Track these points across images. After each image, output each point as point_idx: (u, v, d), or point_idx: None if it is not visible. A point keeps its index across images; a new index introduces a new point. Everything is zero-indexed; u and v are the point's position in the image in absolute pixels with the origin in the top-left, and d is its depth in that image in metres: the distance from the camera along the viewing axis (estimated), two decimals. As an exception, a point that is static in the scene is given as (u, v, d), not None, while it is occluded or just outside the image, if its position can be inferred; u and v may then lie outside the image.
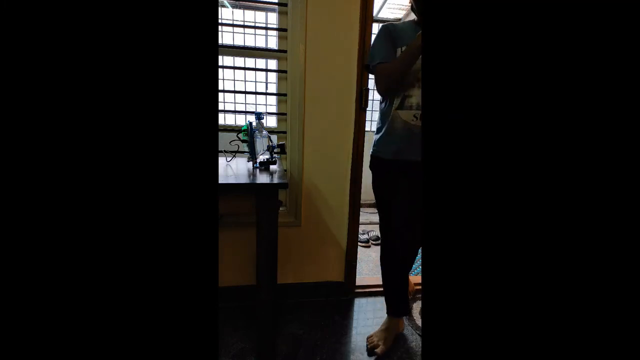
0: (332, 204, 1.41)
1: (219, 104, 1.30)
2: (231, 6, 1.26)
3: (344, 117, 1.33)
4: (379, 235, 2.15)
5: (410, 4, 0.90)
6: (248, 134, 1.02)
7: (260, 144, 1.08)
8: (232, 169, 1.03)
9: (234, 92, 1.31)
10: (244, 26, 1.28)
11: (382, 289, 1.27)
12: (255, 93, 1.35)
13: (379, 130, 1.15)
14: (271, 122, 1.37)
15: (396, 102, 1.08)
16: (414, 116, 1.06)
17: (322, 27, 1.22)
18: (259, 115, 1.06)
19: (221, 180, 0.86)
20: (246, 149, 1.10)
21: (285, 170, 1.31)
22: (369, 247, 2.05)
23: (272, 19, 1.32)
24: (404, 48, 1.03)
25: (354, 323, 1.32)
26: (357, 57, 1.27)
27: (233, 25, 1.27)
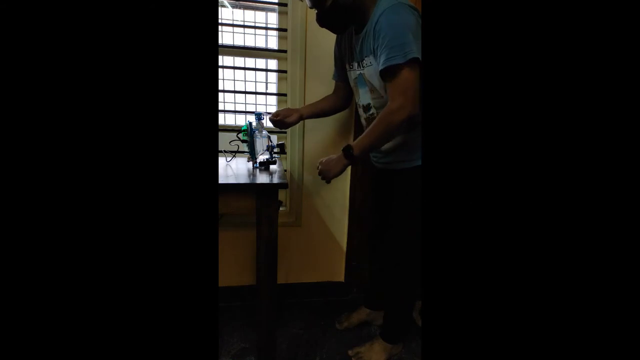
0: (332, 204, 1.40)
1: (219, 104, 1.30)
2: (231, 6, 1.26)
3: (344, 117, 1.33)
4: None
5: None
6: (248, 134, 1.02)
7: (260, 144, 1.07)
8: (232, 169, 1.03)
9: (234, 92, 1.31)
10: (244, 26, 1.28)
11: (382, 289, 1.28)
12: (255, 93, 1.35)
13: None
14: (271, 122, 1.37)
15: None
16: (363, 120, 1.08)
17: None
18: (259, 116, 1.06)
19: (221, 180, 0.86)
20: (246, 149, 1.10)
21: (285, 170, 1.31)
22: (369, 247, 2.05)
23: (272, 19, 1.32)
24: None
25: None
26: (357, 57, 1.27)
27: (233, 25, 1.27)
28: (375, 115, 0.97)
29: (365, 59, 0.91)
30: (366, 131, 0.91)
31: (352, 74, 1.01)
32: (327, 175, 0.96)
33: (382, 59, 0.81)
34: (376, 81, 0.90)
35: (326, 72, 1.26)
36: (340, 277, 1.49)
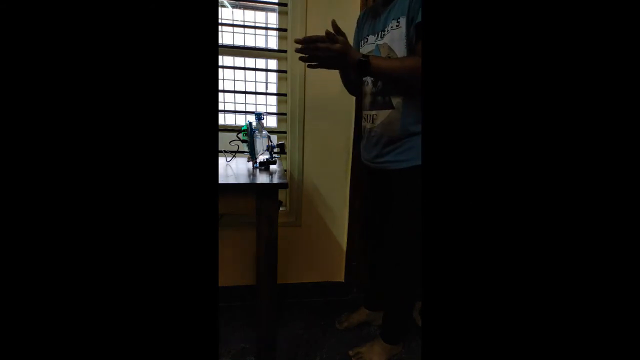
0: (332, 204, 1.41)
1: (219, 104, 1.30)
2: (231, 6, 1.26)
3: (344, 117, 1.33)
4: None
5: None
6: (248, 134, 1.02)
7: (260, 144, 1.07)
8: (232, 169, 1.03)
9: (234, 92, 1.31)
10: (244, 26, 1.28)
11: (382, 289, 1.28)
12: (255, 93, 1.35)
13: None
14: (271, 122, 1.37)
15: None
16: (364, 117, 1.06)
17: (322, 27, 1.21)
18: (259, 116, 1.06)
19: (221, 180, 0.86)
20: (246, 149, 1.10)
21: (285, 170, 1.31)
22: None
23: (272, 19, 1.32)
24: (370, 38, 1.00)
25: (354, 323, 1.31)
26: (357, 57, 1.27)
27: (233, 25, 1.27)
28: (381, 87, 0.96)
29: (392, 22, 0.90)
30: (389, 58, 0.90)
31: (367, 48, 1.00)
32: (330, 54, 0.81)
33: (420, 13, 0.81)
34: (397, 45, 0.89)
35: (326, 71, 1.26)
36: (340, 277, 1.49)
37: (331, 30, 0.83)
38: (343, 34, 0.86)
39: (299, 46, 0.82)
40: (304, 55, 0.83)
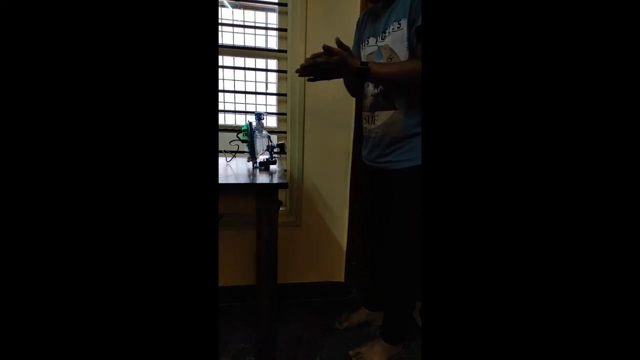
0: (332, 204, 1.40)
1: (219, 104, 1.30)
2: (231, 6, 1.26)
3: (344, 117, 1.33)
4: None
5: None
6: (248, 134, 1.02)
7: (260, 144, 1.07)
8: (232, 169, 1.03)
9: (234, 92, 1.31)
10: (244, 26, 1.28)
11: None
12: (255, 93, 1.35)
13: None
14: (271, 122, 1.37)
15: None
16: (365, 118, 1.06)
17: (322, 27, 1.22)
18: (259, 116, 1.05)
19: (221, 180, 0.86)
20: (246, 149, 1.10)
21: (285, 170, 1.31)
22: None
23: (272, 19, 1.32)
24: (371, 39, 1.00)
25: (354, 323, 1.31)
26: (357, 57, 1.27)
27: (233, 25, 1.27)
28: (383, 88, 0.97)
29: (393, 23, 0.90)
30: (387, 63, 0.90)
31: (368, 50, 1.00)
32: (330, 67, 0.83)
33: (420, 17, 0.82)
34: (399, 46, 0.89)
35: (326, 72, 1.26)
36: (340, 277, 1.49)
37: (334, 45, 0.85)
38: (347, 49, 0.87)
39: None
40: (300, 63, 0.86)
